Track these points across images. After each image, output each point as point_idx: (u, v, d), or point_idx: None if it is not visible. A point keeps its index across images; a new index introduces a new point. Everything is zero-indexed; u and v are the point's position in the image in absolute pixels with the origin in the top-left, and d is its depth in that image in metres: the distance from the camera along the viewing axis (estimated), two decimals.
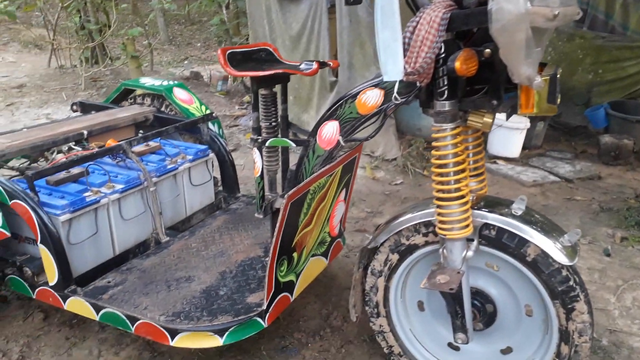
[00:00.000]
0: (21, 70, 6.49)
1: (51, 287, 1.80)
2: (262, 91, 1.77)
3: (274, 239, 1.58)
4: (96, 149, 2.12)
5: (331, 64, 1.80)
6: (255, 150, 1.80)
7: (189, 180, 2.39)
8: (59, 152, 2.30)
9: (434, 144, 1.41)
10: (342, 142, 1.62)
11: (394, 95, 1.34)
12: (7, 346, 1.90)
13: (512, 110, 1.35)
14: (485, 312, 1.60)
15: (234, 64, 1.70)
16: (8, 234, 1.78)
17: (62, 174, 1.99)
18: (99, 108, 2.82)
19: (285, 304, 1.80)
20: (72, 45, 6.55)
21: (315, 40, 3.93)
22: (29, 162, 2.37)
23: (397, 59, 1.24)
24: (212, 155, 2.52)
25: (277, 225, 1.55)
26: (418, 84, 1.35)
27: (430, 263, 1.67)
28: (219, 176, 2.64)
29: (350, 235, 2.75)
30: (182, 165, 2.33)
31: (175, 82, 2.82)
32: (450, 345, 1.71)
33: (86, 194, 1.93)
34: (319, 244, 1.98)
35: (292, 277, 1.80)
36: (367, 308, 1.76)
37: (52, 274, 1.78)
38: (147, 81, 2.80)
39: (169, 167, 2.26)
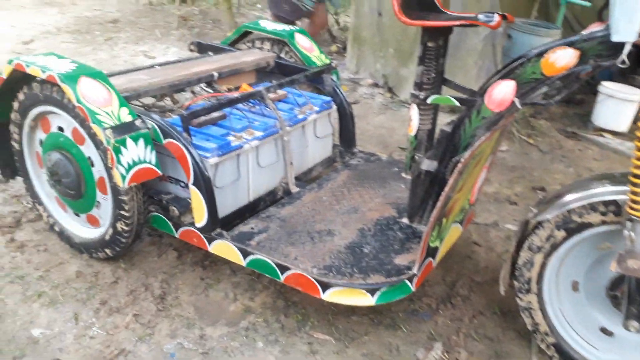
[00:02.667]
0: (110, 5, 6.53)
1: (198, 228, 1.81)
2: (429, 43, 1.66)
3: (439, 203, 1.51)
4: (239, 93, 2.08)
5: (508, 17, 1.65)
6: (414, 106, 1.72)
7: (314, 132, 2.34)
8: (192, 92, 2.29)
9: None
10: (518, 105, 1.51)
11: (620, 59, 1.20)
12: (147, 280, 1.95)
13: None
14: None
15: (406, 12, 1.59)
16: (160, 172, 1.79)
17: (202, 117, 1.97)
18: (216, 49, 2.78)
19: (429, 270, 1.75)
20: None
21: None
22: (154, 100, 2.38)
23: (635, 17, 1.11)
24: (334, 107, 2.45)
25: (447, 189, 1.48)
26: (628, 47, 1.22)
27: (595, 243, 1.57)
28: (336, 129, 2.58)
29: None
30: (310, 116, 2.27)
31: (296, 27, 2.72)
32: (603, 330, 1.63)
33: (229, 138, 1.91)
34: (460, 210, 1.90)
35: (437, 243, 1.74)
36: (515, 283, 1.69)
37: (200, 216, 1.78)
38: (268, 25, 2.73)
39: (299, 117, 2.21)
